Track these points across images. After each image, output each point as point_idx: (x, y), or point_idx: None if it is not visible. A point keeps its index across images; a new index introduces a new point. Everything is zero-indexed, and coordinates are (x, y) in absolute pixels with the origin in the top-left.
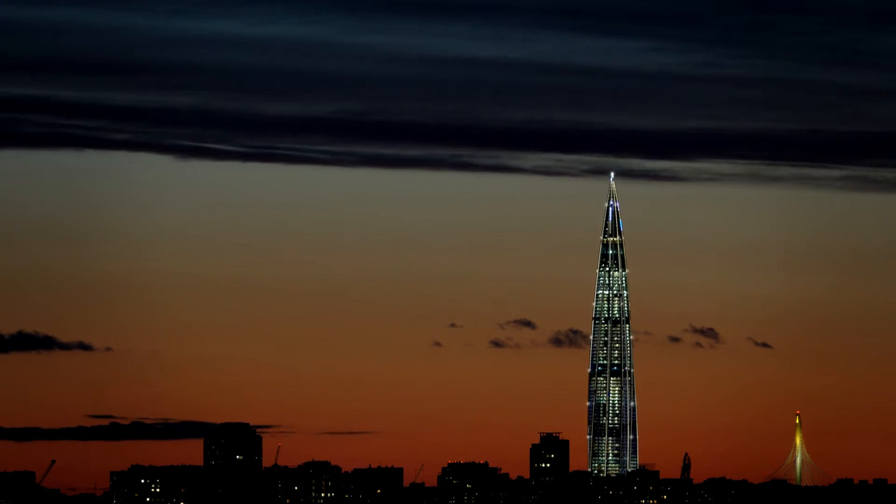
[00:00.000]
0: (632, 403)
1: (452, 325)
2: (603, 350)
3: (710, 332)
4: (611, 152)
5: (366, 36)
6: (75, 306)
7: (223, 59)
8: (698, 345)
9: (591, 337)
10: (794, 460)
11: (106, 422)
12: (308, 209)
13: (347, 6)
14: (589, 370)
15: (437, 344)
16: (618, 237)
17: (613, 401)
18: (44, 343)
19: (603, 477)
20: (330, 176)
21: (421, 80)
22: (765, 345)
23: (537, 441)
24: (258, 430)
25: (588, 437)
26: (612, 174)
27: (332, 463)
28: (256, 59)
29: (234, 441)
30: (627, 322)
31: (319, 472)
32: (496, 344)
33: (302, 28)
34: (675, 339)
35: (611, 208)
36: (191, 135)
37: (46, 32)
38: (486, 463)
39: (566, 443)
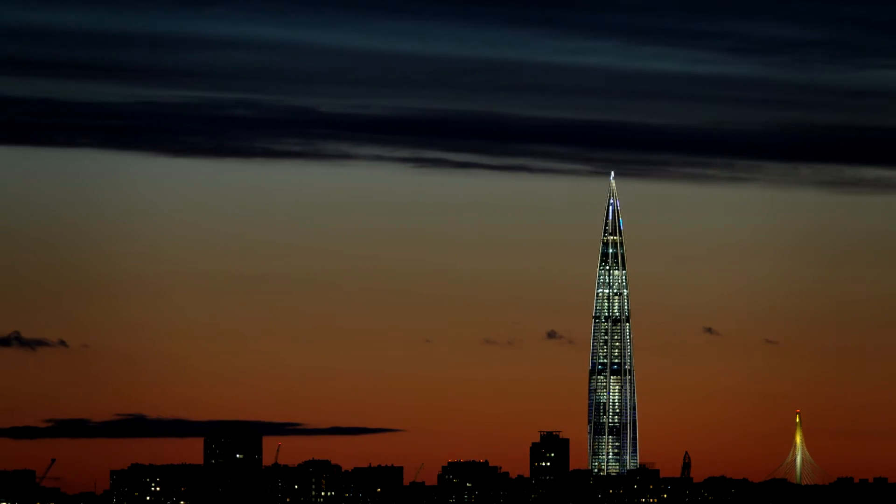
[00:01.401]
0: (632, 402)
1: (451, 324)
2: (603, 349)
3: (710, 331)
4: None
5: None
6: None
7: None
8: (698, 343)
9: (592, 336)
10: (795, 459)
11: (106, 420)
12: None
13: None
14: (589, 369)
15: (438, 342)
16: (618, 236)
17: (613, 399)
18: (37, 341)
19: (603, 476)
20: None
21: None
22: (767, 342)
23: (537, 440)
24: (256, 427)
25: (588, 435)
26: (613, 173)
27: (332, 462)
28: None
29: (234, 440)
30: (628, 321)
31: (319, 470)
32: (496, 342)
33: (543, 46)
34: (675, 338)
35: (611, 207)
36: (430, 144)
37: (310, 51)
38: (486, 462)
39: (566, 441)
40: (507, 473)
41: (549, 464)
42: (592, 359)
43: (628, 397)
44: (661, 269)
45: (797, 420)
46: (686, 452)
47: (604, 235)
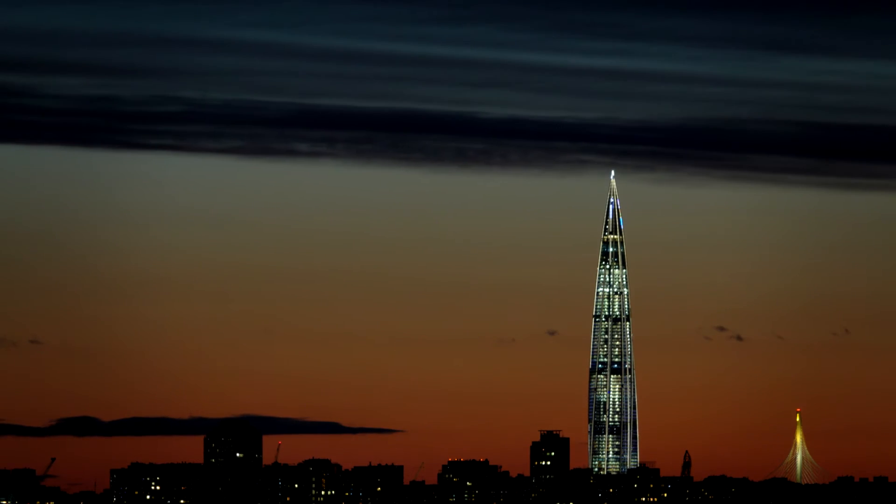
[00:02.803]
0: (632, 401)
1: (455, 324)
2: (603, 347)
3: (709, 331)
4: None
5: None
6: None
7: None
8: (698, 343)
9: (592, 335)
10: (795, 458)
11: (106, 419)
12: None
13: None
14: (589, 368)
15: (439, 342)
16: (618, 235)
17: (614, 399)
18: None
19: (603, 475)
20: None
21: None
22: (767, 340)
23: (537, 439)
24: (259, 423)
25: (588, 434)
26: (613, 172)
27: (332, 461)
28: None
29: (234, 439)
30: (628, 320)
31: (319, 469)
32: (497, 342)
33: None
34: (675, 338)
35: (611, 206)
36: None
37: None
38: (487, 461)
39: (566, 440)
40: (507, 472)
41: (549, 463)
42: (592, 358)
43: (628, 396)
44: (661, 268)
45: (797, 419)
46: (686, 451)
47: (604, 234)
